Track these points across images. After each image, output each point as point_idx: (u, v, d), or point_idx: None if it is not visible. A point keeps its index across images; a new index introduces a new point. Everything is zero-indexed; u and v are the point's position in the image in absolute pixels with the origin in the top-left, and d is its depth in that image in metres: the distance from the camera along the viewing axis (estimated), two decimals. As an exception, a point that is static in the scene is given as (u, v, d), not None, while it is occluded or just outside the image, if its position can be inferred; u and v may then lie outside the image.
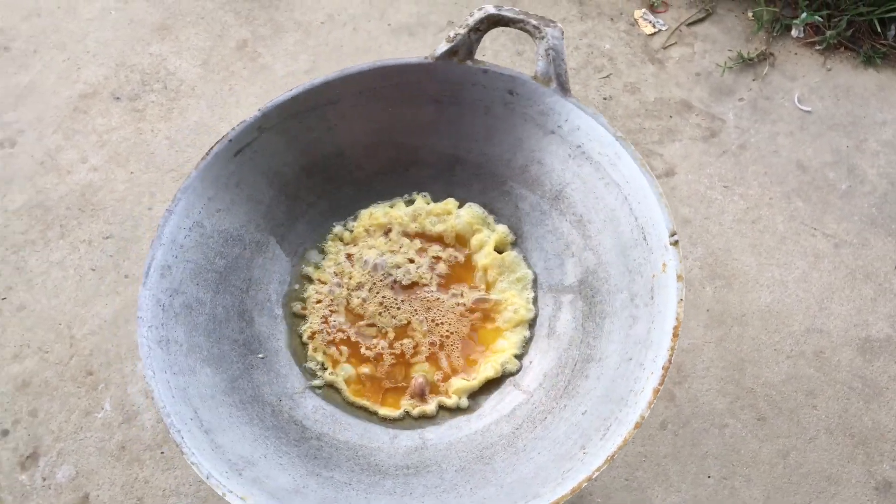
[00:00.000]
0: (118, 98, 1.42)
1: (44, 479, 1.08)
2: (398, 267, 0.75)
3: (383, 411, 0.70)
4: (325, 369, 0.71)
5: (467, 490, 0.61)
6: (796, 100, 1.38)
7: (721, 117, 1.37)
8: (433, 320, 0.73)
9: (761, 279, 1.21)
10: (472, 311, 0.72)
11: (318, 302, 0.74)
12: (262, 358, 0.70)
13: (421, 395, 0.70)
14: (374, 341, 0.72)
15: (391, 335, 0.72)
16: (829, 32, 1.40)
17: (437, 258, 0.75)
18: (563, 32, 0.70)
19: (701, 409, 1.11)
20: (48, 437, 1.11)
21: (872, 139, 1.34)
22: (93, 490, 1.07)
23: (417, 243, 0.76)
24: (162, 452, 1.09)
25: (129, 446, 1.10)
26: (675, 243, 0.64)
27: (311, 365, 0.71)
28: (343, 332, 0.72)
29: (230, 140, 0.71)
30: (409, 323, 0.73)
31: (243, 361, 0.69)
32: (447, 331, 0.73)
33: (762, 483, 1.06)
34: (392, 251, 0.76)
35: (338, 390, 0.70)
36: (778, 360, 1.14)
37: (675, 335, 0.59)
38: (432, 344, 0.72)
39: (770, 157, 1.32)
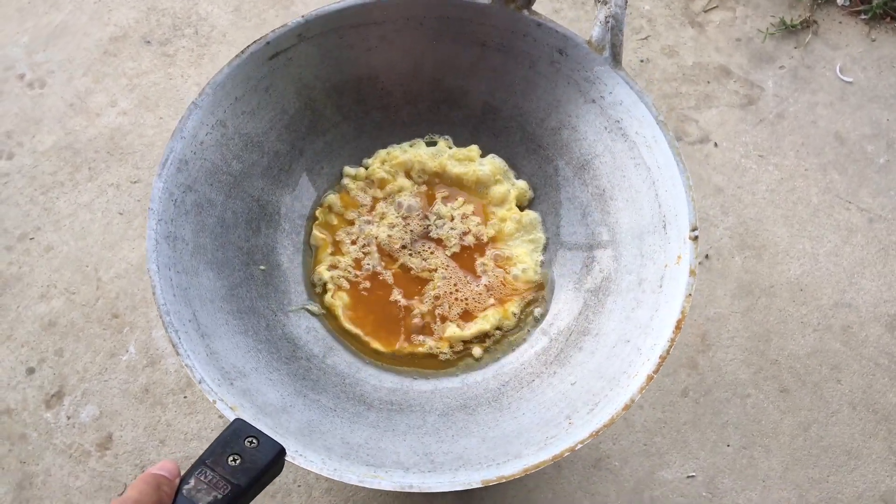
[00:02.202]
0: (149, 42, 1.41)
1: (68, 418, 1.09)
2: (440, 217, 0.75)
3: (375, 344, 0.70)
4: (326, 292, 0.70)
5: (449, 436, 0.61)
6: (838, 70, 1.35)
7: (760, 85, 1.34)
8: (455, 283, 0.73)
9: (792, 251, 1.19)
10: (497, 269, 0.72)
11: (353, 243, 0.73)
12: (263, 270, 0.70)
13: (416, 333, 0.70)
14: (396, 291, 0.72)
15: (433, 284, 0.72)
16: (875, 2, 1.37)
17: (467, 231, 0.74)
18: (626, 2, 0.68)
19: (723, 379, 1.10)
20: (73, 377, 1.12)
21: (914, 113, 1.30)
22: (116, 430, 1.08)
23: (469, 208, 0.75)
24: (185, 397, 1.10)
25: (153, 389, 1.11)
26: (695, 238, 0.62)
27: (314, 282, 0.71)
28: (374, 277, 0.72)
29: (268, 42, 0.70)
30: (435, 269, 0.72)
31: (245, 270, 0.69)
32: (463, 295, 0.72)
33: (781, 454, 1.05)
34: (444, 200, 0.75)
35: (334, 316, 0.70)
36: (804, 333, 1.13)
37: (678, 328, 0.59)
38: (442, 297, 0.71)
39: (808, 128, 1.29)
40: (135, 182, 1.27)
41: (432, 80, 0.77)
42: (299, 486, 1.04)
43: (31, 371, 1.13)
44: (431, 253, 0.73)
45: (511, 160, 0.76)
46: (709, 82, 1.34)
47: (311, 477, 1.04)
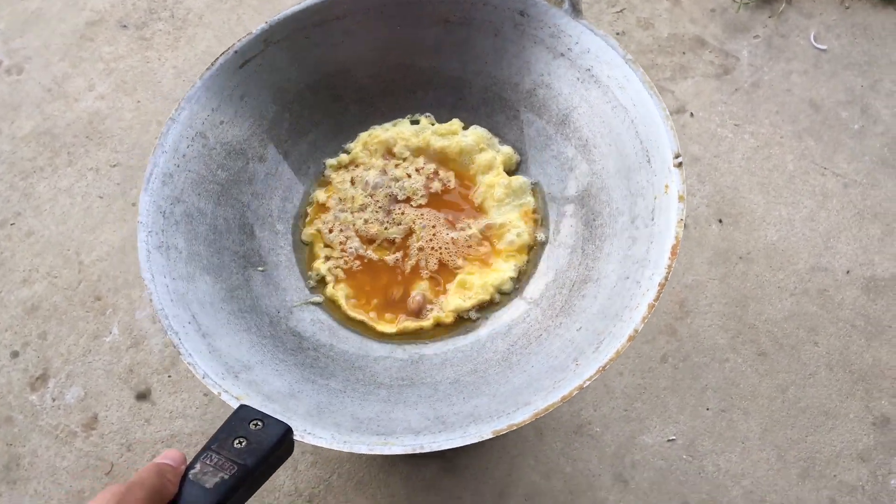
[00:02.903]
0: (125, 26, 1.41)
1: (53, 400, 1.10)
2: (397, 180, 0.75)
3: (381, 327, 0.70)
4: (326, 284, 0.71)
5: (460, 399, 0.62)
6: (812, 38, 1.36)
7: (735, 55, 1.35)
8: (432, 237, 0.74)
9: (768, 217, 1.21)
10: (481, 240, 0.73)
11: (331, 231, 0.74)
12: (262, 271, 0.71)
13: (418, 313, 0.71)
14: (390, 257, 0.73)
15: (416, 236, 0.72)
16: (848, -31, 1.37)
17: (434, 174, 0.75)
18: (575, -49, 0.69)
19: (702, 344, 1.11)
20: (57, 360, 1.13)
21: (888, 79, 1.31)
22: (101, 411, 1.09)
23: (420, 161, 0.76)
24: (169, 376, 1.11)
25: (137, 369, 1.12)
26: (679, 165, 0.63)
27: (312, 276, 0.72)
28: (361, 258, 0.72)
29: (236, 51, 0.71)
30: (412, 231, 0.73)
31: (243, 273, 0.70)
32: (444, 254, 0.73)
33: (760, 416, 1.07)
34: (395, 165, 0.76)
35: (337, 305, 0.71)
36: (781, 298, 1.15)
37: (674, 253, 0.59)
38: (429, 261, 0.72)
39: (783, 96, 1.30)
40: (114, 166, 1.27)
41: (402, 66, 0.78)
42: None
43: (15, 354, 1.13)
44: (402, 213, 0.74)
45: (494, 130, 0.77)
46: (684, 53, 1.35)
47: (295, 452, 1.05)
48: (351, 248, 0.72)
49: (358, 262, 0.71)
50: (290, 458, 1.04)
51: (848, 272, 1.16)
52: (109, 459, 1.06)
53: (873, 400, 1.08)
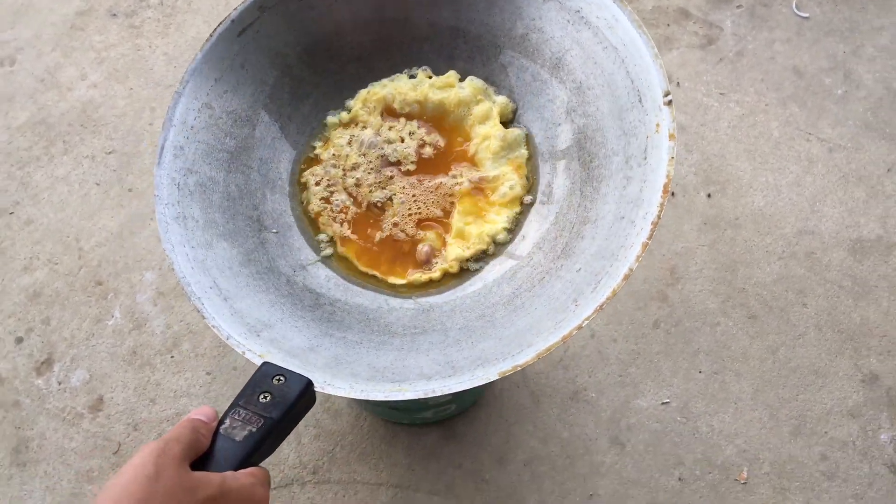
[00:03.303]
0: (115, 15, 1.42)
1: (59, 383, 1.12)
2: (390, 143, 0.77)
3: (392, 279, 0.73)
4: (335, 243, 0.73)
5: (469, 344, 0.64)
6: (794, 6, 1.37)
7: (719, 25, 1.36)
8: (419, 198, 0.76)
9: (755, 184, 1.23)
10: (474, 189, 0.75)
11: (317, 184, 0.76)
12: (276, 233, 0.73)
13: (426, 263, 0.73)
14: (382, 215, 0.75)
15: (392, 211, 0.75)
16: (829, -63, 1.39)
17: (423, 143, 0.76)
18: None
19: (693, 309, 1.14)
20: (61, 344, 1.15)
21: (869, 44, 1.33)
22: (106, 392, 1.11)
23: (415, 125, 0.78)
24: (172, 356, 1.13)
25: (140, 351, 1.14)
26: (669, 103, 0.64)
27: (321, 238, 0.74)
28: (346, 210, 0.74)
29: (232, 20, 0.73)
30: (392, 197, 0.75)
31: (258, 236, 0.72)
32: (434, 207, 0.75)
33: (751, 377, 1.09)
34: (389, 128, 0.78)
35: (349, 262, 0.73)
36: (770, 261, 1.17)
37: (666, 191, 0.61)
38: (426, 218, 0.74)
39: (767, 64, 1.32)
40: (109, 153, 1.29)
41: (397, 21, 0.79)
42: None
43: (19, 340, 1.15)
44: (390, 178, 0.76)
45: (489, 79, 0.79)
46: (668, 25, 1.36)
47: (300, 426, 1.07)
48: (337, 200, 0.74)
49: (342, 216, 0.74)
50: (293, 432, 1.06)
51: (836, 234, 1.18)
52: (116, 439, 1.08)
53: (862, 358, 1.10)
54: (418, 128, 0.77)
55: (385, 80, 0.80)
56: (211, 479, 0.45)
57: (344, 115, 0.79)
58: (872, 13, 1.36)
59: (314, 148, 0.78)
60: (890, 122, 1.27)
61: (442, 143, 0.76)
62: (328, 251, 0.74)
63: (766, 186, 1.22)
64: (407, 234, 0.73)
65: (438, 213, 0.74)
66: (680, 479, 1.03)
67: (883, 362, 1.10)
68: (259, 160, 0.75)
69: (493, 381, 1.09)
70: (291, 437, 1.06)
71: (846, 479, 1.03)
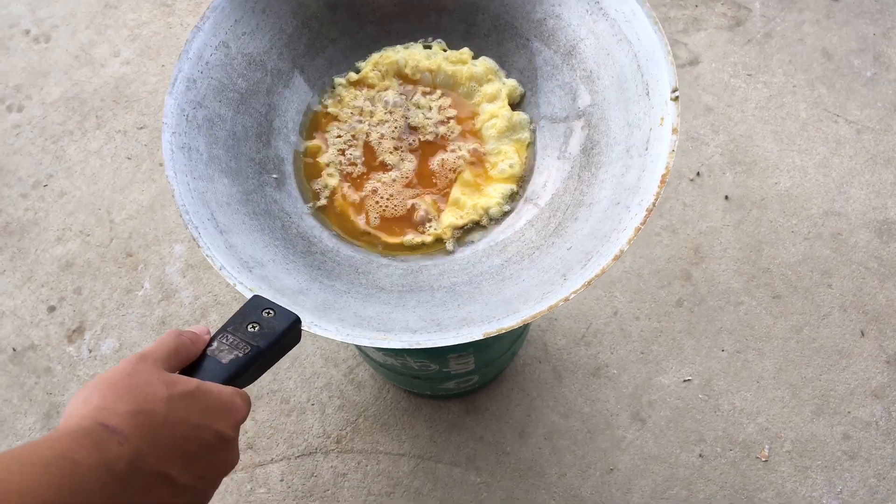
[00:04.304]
0: (148, -7, 1.44)
1: (90, 351, 1.14)
2: (418, 107, 0.78)
3: (385, 238, 0.74)
4: (334, 194, 0.75)
5: (455, 305, 0.65)
6: (825, -12, 1.36)
7: (747, 6, 1.36)
8: (438, 164, 0.77)
9: (781, 165, 1.22)
10: (475, 163, 0.76)
11: (338, 136, 0.77)
12: (276, 178, 0.74)
13: (420, 226, 0.74)
14: (386, 176, 0.76)
15: (399, 172, 0.76)
16: (861, -81, 1.38)
17: (448, 120, 0.77)
18: None
19: (717, 289, 1.14)
20: (92, 313, 1.17)
21: (901, 26, 1.32)
22: (136, 360, 1.13)
23: (447, 101, 0.79)
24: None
25: (169, 321, 1.16)
26: (676, 99, 0.66)
27: (318, 187, 0.76)
28: (355, 164, 0.76)
29: None
30: (416, 163, 0.76)
31: (258, 178, 0.73)
32: (447, 175, 0.76)
33: (774, 356, 1.09)
34: (424, 93, 0.79)
35: (344, 216, 0.75)
36: (795, 242, 1.17)
37: (663, 182, 0.62)
38: (432, 184, 0.76)
39: (795, 46, 1.32)
40: (141, 128, 1.31)
41: (421, -12, 0.81)
42: (313, 404, 1.09)
43: (51, 309, 1.18)
44: (410, 145, 0.77)
45: (502, 58, 0.80)
46: (696, 6, 1.36)
47: (324, 395, 1.09)
48: (350, 155, 0.76)
49: (350, 170, 0.75)
50: (317, 402, 1.08)
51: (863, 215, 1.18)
52: (145, 406, 1.10)
53: (886, 339, 1.10)
54: (449, 106, 0.78)
55: (399, 47, 0.81)
56: (189, 380, 0.46)
57: (352, 75, 0.80)
58: (904, -5, 1.35)
59: (325, 106, 0.79)
60: (920, 104, 1.25)
61: (457, 133, 0.77)
62: (324, 202, 0.75)
63: (793, 167, 1.22)
64: (404, 200, 0.75)
65: (439, 184, 0.75)
66: (700, 455, 1.04)
67: (908, 344, 1.09)
68: (268, 105, 0.76)
69: (516, 357, 1.10)
70: (315, 407, 1.08)
71: (868, 458, 1.03)
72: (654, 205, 0.61)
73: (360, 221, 0.74)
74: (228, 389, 0.49)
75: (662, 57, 0.68)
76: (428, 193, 0.75)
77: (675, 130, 0.64)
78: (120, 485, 0.39)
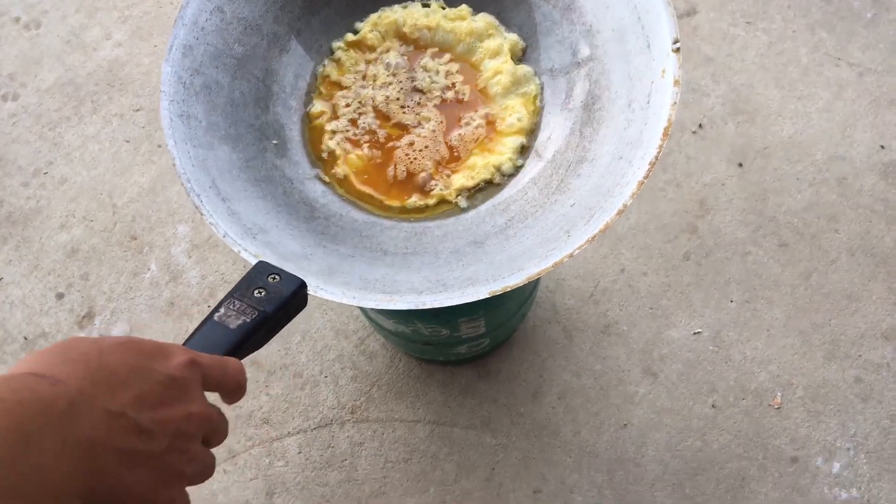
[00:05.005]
0: (135, -27, 1.43)
1: (100, 336, 1.15)
2: (426, 70, 0.78)
3: (388, 201, 0.74)
4: (337, 159, 0.74)
5: (459, 266, 0.65)
6: (821, -71, 1.34)
7: (742, -48, 1.34)
8: (457, 139, 0.76)
9: (784, 112, 1.21)
10: (486, 125, 0.75)
11: (347, 105, 0.77)
12: (276, 144, 0.74)
13: (424, 189, 0.74)
14: (402, 140, 0.75)
15: (413, 135, 0.75)
16: None
17: (453, 85, 0.77)
18: None
19: (723, 240, 1.14)
20: (101, 298, 1.18)
21: (900, -36, 1.30)
22: (148, 342, 1.14)
23: (454, 67, 0.78)
24: (209, 306, 1.15)
25: (178, 302, 1.16)
26: (677, 50, 0.65)
27: (323, 153, 0.75)
28: (372, 132, 0.75)
29: None
30: (428, 119, 0.76)
31: (258, 145, 0.73)
32: (467, 146, 0.76)
33: (784, 304, 1.09)
34: (433, 56, 0.79)
35: (346, 180, 0.74)
36: (800, 189, 1.16)
37: (666, 134, 0.62)
38: (455, 158, 0.75)
39: (793, -10, 1.30)
40: (137, 110, 1.30)
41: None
42: (326, 377, 1.09)
43: (60, 296, 1.18)
44: (419, 104, 0.77)
45: (500, 14, 0.79)
46: (691, -46, 1.34)
47: (336, 367, 1.10)
48: (364, 123, 0.75)
49: (367, 138, 0.74)
50: (330, 374, 1.08)
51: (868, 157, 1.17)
52: (160, 386, 1.11)
53: (895, 281, 1.10)
54: (457, 71, 0.78)
55: (397, 6, 0.81)
56: (118, 336, 0.45)
57: (349, 36, 0.79)
58: (902, -68, 1.32)
59: (326, 75, 0.78)
60: (922, 42, 1.24)
61: (468, 95, 0.76)
62: (324, 177, 0.75)
63: (796, 114, 1.21)
64: (414, 164, 0.74)
65: (462, 157, 0.75)
66: (713, 406, 1.04)
67: (918, 285, 1.09)
68: (265, 70, 0.76)
69: (526, 319, 1.10)
70: (329, 379, 1.09)
71: (881, 400, 1.03)
72: (656, 158, 0.61)
73: (364, 183, 0.74)
74: (233, 360, 0.48)
75: (662, 8, 0.67)
76: (455, 162, 0.74)
77: (676, 82, 0.63)
78: (68, 420, 0.36)
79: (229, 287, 1.16)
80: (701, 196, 1.16)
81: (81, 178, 1.26)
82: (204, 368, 0.45)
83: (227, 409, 1.07)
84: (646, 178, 0.60)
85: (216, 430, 0.46)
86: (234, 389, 0.48)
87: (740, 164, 1.17)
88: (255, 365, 1.10)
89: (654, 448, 1.02)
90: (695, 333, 1.09)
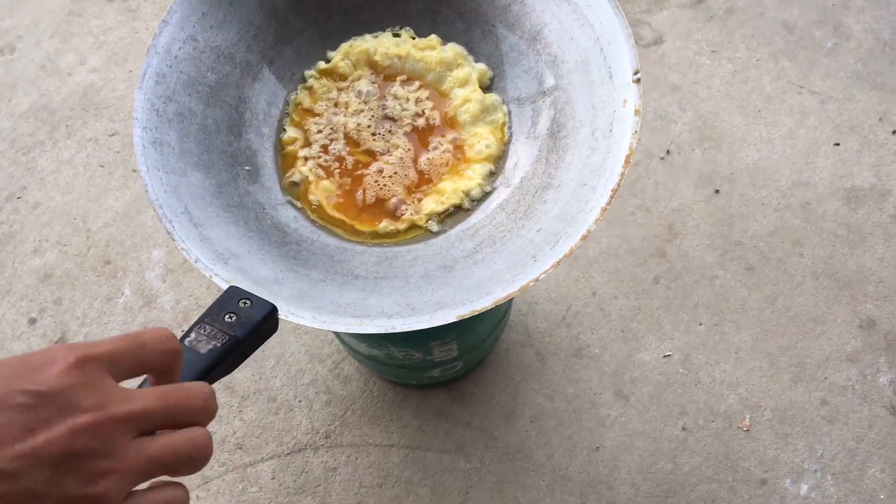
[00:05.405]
0: (111, -1, 1.43)
1: None
2: (396, 98, 0.79)
3: (360, 226, 0.75)
4: (310, 184, 0.76)
5: (429, 290, 0.67)
6: (783, -38, 1.38)
7: (708, -16, 1.37)
8: (426, 163, 0.78)
9: (749, 138, 1.24)
10: (453, 151, 0.77)
11: (319, 132, 0.78)
12: (249, 170, 0.75)
13: (395, 214, 0.75)
14: (371, 168, 0.77)
15: (384, 160, 0.77)
16: None
17: (423, 113, 0.79)
18: None
19: (691, 264, 1.16)
20: (74, 323, 1.17)
21: (859, -4, 1.35)
22: (121, 368, 1.13)
23: (424, 94, 0.80)
24: (182, 330, 1.15)
25: (151, 326, 1.16)
26: (638, 81, 0.67)
27: (294, 178, 0.76)
28: (342, 159, 0.76)
29: None
30: (397, 147, 0.77)
31: (230, 171, 0.74)
32: (438, 171, 0.77)
33: (751, 327, 1.11)
34: (402, 83, 0.80)
35: (318, 206, 0.76)
36: (765, 214, 1.19)
37: (627, 162, 0.64)
38: (427, 181, 0.77)
39: (756, 20, 1.34)
40: (112, 135, 1.31)
41: (387, -23, 0.82)
42: (300, 401, 1.10)
43: (32, 321, 1.18)
44: (389, 131, 0.78)
45: (469, 45, 0.81)
46: (659, -14, 1.37)
47: (310, 391, 1.10)
48: (334, 149, 0.76)
49: (337, 165, 0.76)
50: (304, 398, 1.09)
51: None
52: (132, 412, 1.10)
53: (859, 304, 1.12)
54: (426, 98, 0.80)
55: (368, 36, 0.82)
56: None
57: (321, 64, 0.81)
58: (861, -35, 1.37)
59: (298, 102, 0.80)
60: (880, 72, 1.28)
61: (438, 121, 0.78)
62: (296, 203, 0.76)
63: (760, 140, 1.24)
64: (384, 190, 0.76)
65: (435, 181, 0.77)
66: (684, 428, 1.06)
67: (879, 307, 1.12)
68: (238, 98, 0.77)
69: (499, 342, 1.11)
70: (303, 403, 1.09)
71: (847, 422, 1.05)
72: (618, 185, 0.63)
73: (335, 209, 0.75)
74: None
75: (623, 40, 0.69)
76: (425, 185, 0.76)
77: (637, 112, 0.66)
78: None
79: (203, 311, 1.16)
80: (669, 221, 1.19)
81: (55, 203, 1.26)
82: (106, 357, 0.38)
83: (200, 435, 1.07)
84: (608, 204, 0.62)
85: (152, 416, 0.39)
86: (200, 410, 0.42)
87: (717, 191, 1.20)
88: (229, 390, 1.10)
89: (626, 471, 1.03)
90: (665, 356, 1.10)
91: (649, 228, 1.18)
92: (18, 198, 1.26)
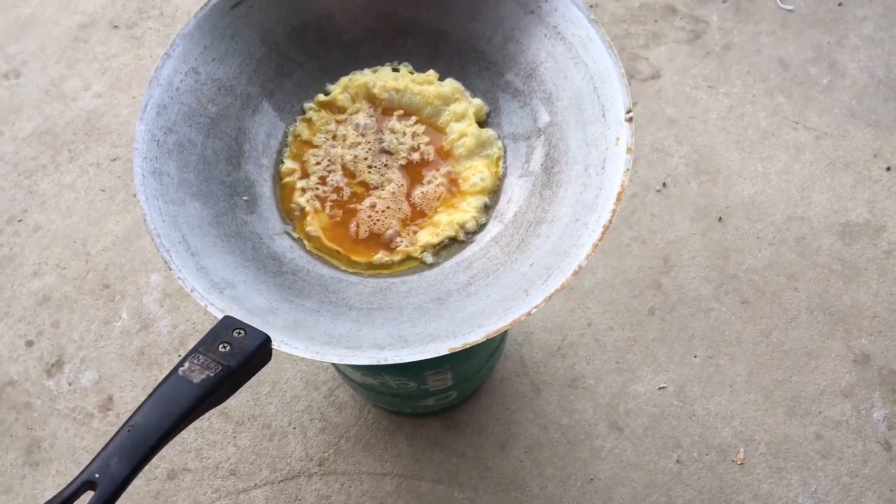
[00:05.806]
0: (116, 26, 1.45)
1: (69, 384, 1.15)
2: (392, 132, 0.81)
3: (355, 257, 0.76)
4: (306, 215, 0.76)
5: (422, 322, 0.67)
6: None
7: (705, 20, 1.39)
8: (420, 197, 0.79)
9: (744, 173, 1.26)
10: (448, 184, 0.78)
11: (317, 163, 0.79)
12: (247, 200, 0.76)
13: (390, 246, 0.76)
14: (364, 202, 0.78)
15: (377, 195, 0.78)
16: (811, -68, 1.42)
17: (418, 147, 0.80)
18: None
19: (687, 296, 1.16)
20: (71, 346, 1.17)
21: (853, 34, 1.36)
22: (116, 392, 1.14)
23: (420, 129, 0.81)
24: (179, 355, 1.16)
25: (148, 351, 1.16)
26: (630, 119, 0.68)
27: (294, 207, 0.77)
28: (340, 190, 0.77)
29: None
30: (391, 181, 0.78)
31: (229, 201, 0.75)
32: (431, 204, 0.78)
33: (746, 360, 1.12)
34: (399, 118, 0.81)
35: (314, 237, 0.76)
36: (761, 248, 1.20)
37: (619, 199, 0.65)
38: (421, 214, 0.78)
39: (753, 56, 1.35)
40: (114, 160, 1.32)
41: (385, 14, 0.83)
42: (294, 428, 1.10)
43: (29, 344, 1.18)
44: (385, 164, 0.79)
45: (466, 81, 0.82)
46: (656, 21, 1.39)
47: (305, 418, 1.10)
48: (332, 181, 0.77)
49: (335, 195, 0.77)
50: (298, 425, 1.09)
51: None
52: (127, 437, 1.10)
53: (853, 339, 1.13)
54: (422, 133, 0.81)
55: (367, 70, 0.84)
56: None
57: (321, 97, 0.82)
58: (855, 3, 1.39)
59: (297, 134, 0.81)
60: (874, 109, 1.29)
61: (433, 155, 0.79)
62: (293, 234, 0.77)
63: (756, 175, 1.25)
64: (378, 225, 0.77)
65: (428, 214, 0.78)
66: (678, 461, 1.06)
67: (874, 342, 1.12)
68: (237, 129, 0.78)
69: (494, 371, 1.12)
70: (297, 430, 1.09)
71: (841, 457, 1.05)
72: (610, 222, 0.64)
73: (331, 240, 0.76)
74: None
75: (616, 79, 0.70)
76: (419, 219, 0.77)
77: (629, 150, 0.67)
78: None
79: (200, 336, 1.16)
80: (665, 253, 1.19)
81: (56, 226, 1.26)
82: None
83: (194, 460, 1.07)
84: (600, 240, 0.63)
85: None
86: None
87: (720, 219, 1.21)
88: (224, 415, 1.10)
89: (620, 503, 1.03)
90: (660, 388, 1.11)
91: (645, 260, 1.19)
92: (19, 220, 1.27)
